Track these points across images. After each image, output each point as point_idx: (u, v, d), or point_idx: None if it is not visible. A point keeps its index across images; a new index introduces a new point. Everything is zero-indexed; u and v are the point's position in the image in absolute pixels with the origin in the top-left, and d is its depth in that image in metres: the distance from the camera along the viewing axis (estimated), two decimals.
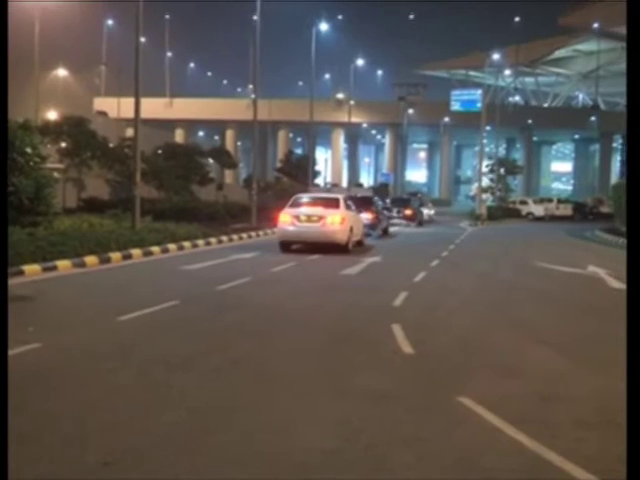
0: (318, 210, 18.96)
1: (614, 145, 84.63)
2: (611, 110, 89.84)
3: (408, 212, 37.81)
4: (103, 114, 62.53)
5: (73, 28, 57.10)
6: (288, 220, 18.78)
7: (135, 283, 12.48)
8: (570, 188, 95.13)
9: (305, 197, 21.14)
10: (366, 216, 24.01)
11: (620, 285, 13.49)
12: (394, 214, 36.31)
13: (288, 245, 19.00)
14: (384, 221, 28.06)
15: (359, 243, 20.69)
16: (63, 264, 13.31)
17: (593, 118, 77.74)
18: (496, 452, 4.49)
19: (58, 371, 6.24)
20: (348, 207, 20.11)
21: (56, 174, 23.50)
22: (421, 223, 38.64)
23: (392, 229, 30.91)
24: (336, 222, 18.61)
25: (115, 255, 15.23)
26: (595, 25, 76.85)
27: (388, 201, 38.79)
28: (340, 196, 21.21)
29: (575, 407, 5.52)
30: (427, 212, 43.35)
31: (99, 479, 3.98)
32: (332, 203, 19.64)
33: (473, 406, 5.35)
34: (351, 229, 19.23)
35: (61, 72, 63.91)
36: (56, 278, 12.36)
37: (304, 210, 19.12)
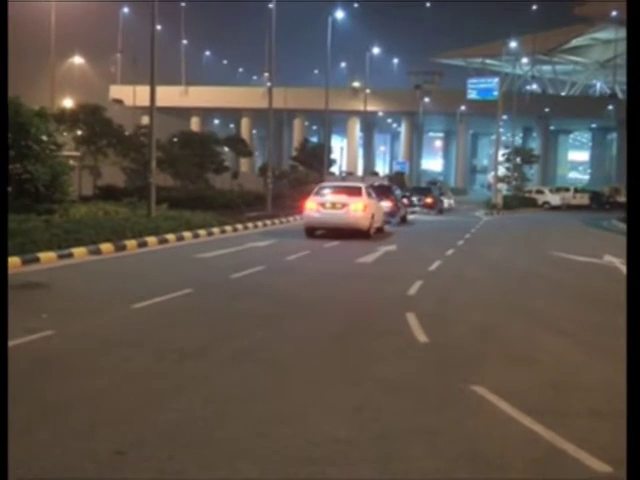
0: (342, 198, 19.96)
1: None
2: None
3: (429, 200, 38.95)
4: (119, 102, 62.72)
5: (89, 16, 57.20)
6: (314, 207, 19.82)
7: (150, 271, 12.53)
8: (587, 177, 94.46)
9: (329, 186, 22.40)
10: (386, 204, 24.79)
11: None
12: (415, 202, 37.52)
13: (313, 230, 19.98)
14: (402, 209, 28.80)
15: (379, 230, 21.48)
16: (79, 251, 13.37)
17: (610, 107, 76.99)
18: (511, 442, 4.48)
19: (70, 359, 6.25)
20: (369, 195, 21.12)
21: (72, 162, 23.63)
22: (441, 211, 39.55)
23: (412, 217, 31.66)
24: (359, 209, 19.64)
25: (130, 243, 15.28)
26: (613, 13, 75.99)
27: (408, 193, 39.57)
28: (362, 185, 22.60)
29: (589, 396, 5.49)
30: (447, 201, 44.34)
31: (111, 469, 3.97)
32: (355, 191, 20.73)
33: (487, 395, 5.33)
34: (372, 216, 20.15)
35: (77, 60, 64.17)
36: (71, 265, 12.42)
37: (329, 198, 20.13)
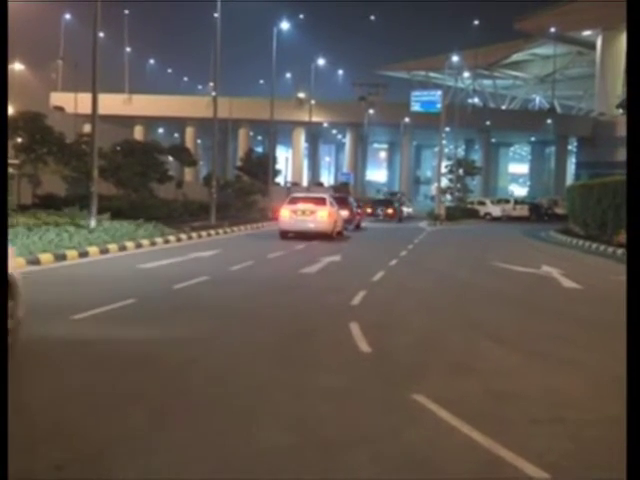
0: (310, 206, 23.86)
1: (569, 148, 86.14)
2: (567, 113, 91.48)
3: (390, 211, 43.49)
4: (60, 109, 61.62)
5: (30, 22, 56.09)
6: (287, 214, 23.71)
7: (91, 281, 12.32)
8: (526, 189, 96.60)
9: (298, 196, 26.29)
10: (344, 212, 28.62)
11: (572, 284, 13.79)
12: (378, 212, 43.39)
13: (287, 234, 23.66)
14: (357, 217, 32.97)
15: (339, 233, 25.46)
16: (16, 262, 13.02)
17: (549, 121, 79.04)
18: (450, 449, 4.54)
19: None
20: (332, 204, 25.05)
21: (11, 170, 23.10)
22: (401, 220, 43.66)
23: (366, 224, 36.03)
24: (324, 216, 23.68)
25: (71, 253, 14.99)
26: (551, 30, 78.12)
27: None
28: (326, 196, 26.58)
29: (527, 404, 5.60)
30: (406, 210, 49.49)
31: None
32: (320, 201, 24.71)
33: (428, 404, 5.40)
34: (335, 222, 24.34)
35: (17, 66, 62.72)
36: None
37: (300, 207, 23.90)
